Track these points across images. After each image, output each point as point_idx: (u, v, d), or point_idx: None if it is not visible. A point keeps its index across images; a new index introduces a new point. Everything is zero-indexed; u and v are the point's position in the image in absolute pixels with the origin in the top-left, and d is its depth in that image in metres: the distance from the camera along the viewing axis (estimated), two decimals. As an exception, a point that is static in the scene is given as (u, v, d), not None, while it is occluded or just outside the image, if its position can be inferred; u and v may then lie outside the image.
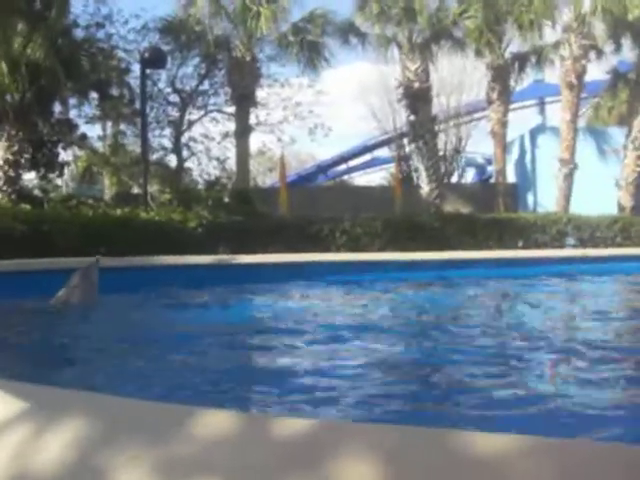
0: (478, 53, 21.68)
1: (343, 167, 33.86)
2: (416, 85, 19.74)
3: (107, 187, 26.08)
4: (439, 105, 22.25)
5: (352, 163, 33.55)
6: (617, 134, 22.24)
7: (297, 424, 2.16)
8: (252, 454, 2.03)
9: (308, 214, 16.77)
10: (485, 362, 5.07)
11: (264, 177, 34.27)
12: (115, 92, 21.93)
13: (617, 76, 22.30)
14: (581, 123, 25.29)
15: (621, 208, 20.39)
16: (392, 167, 25.86)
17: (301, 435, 2.07)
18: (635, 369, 4.98)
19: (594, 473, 1.84)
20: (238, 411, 2.48)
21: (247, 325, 7.32)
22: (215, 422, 2.18)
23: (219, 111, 24.29)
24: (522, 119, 28.90)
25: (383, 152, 30.83)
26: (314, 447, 2.03)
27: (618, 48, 21.17)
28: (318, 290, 10.39)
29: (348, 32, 21.11)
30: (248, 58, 20.43)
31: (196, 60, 22.69)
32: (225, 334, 6.41)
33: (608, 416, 3.62)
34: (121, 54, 21.91)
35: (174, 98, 23.81)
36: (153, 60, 17.89)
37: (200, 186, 21.56)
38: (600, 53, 21.25)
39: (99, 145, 25.67)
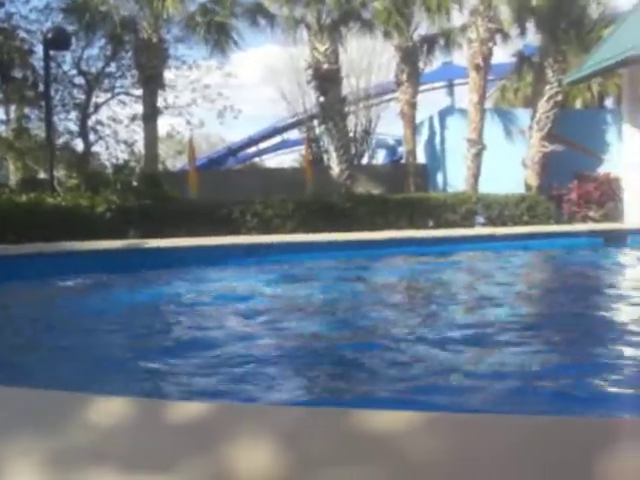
0: (387, 35, 21.72)
1: (254, 150, 33.72)
2: (325, 67, 19.69)
3: (12, 172, 25.33)
4: (349, 87, 22.34)
5: (262, 145, 33.40)
6: (523, 115, 22.63)
7: (194, 408, 2.13)
8: (148, 439, 1.99)
9: (218, 197, 16.67)
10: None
11: (174, 160, 33.86)
12: (18, 74, 21.29)
13: (522, 59, 22.67)
14: (488, 104, 25.70)
15: (528, 187, 20.81)
16: (303, 149, 25.87)
17: (198, 419, 2.05)
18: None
19: (485, 444, 1.87)
20: (135, 397, 2.43)
21: (153, 308, 7.27)
22: (111, 409, 2.14)
23: (126, 94, 23.85)
24: (432, 101, 29.20)
25: (294, 134, 30.91)
26: (211, 430, 2.01)
27: (523, 32, 21.51)
28: (229, 273, 10.32)
29: (256, 13, 20.86)
30: (155, 40, 20.00)
31: (102, 41, 22.18)
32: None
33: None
34: (23, 34, 21.27)
35: (79, 80, 23.25)
36: (57, 41, 17.42)
37: (108, 170, 21.13)
38: (506, 36, 21.57)
39: (2, 129, 24.93)
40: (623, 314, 6.47)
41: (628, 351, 4.71)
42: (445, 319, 6.22)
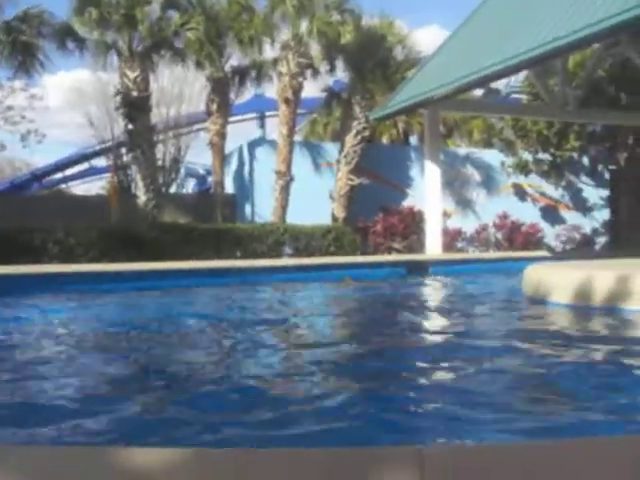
0: (198, 65, 21.70)
1: (60, 176, 32.67)
2: (134, 94, 19.46)
3: None
4: (159, 115, 22.03)
5: (69, 172, 32.47)
6: (331, 149, 23.21)
7: None
8: None
9: (20, 224, 15.99)
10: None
11: (-27, 185, 32.32)
12: None
13: (332, 94, 23.33)
14: (298, 137, 26.18)
15: (334, 219, 21.33)
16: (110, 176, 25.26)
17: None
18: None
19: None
20: None
21: None
22: None
23: None
24: (244, 132, 29.43)
25: (101, 161, 30.18)
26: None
27: (332, 69, 22.17)
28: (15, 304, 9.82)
29: (66, 36, 20.31)
30: (-46, 56, 19.09)
31: None
32: None
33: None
34: None
35: None
36: None
37: None
38: (316, 72, 22.11)
39: None
40: (415, 339, 6.65)
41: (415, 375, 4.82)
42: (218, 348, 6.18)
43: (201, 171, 31.19)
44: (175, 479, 1.84)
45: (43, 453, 2.09)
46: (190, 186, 31.35)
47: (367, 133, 22.03)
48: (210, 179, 25.94)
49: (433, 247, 18.45)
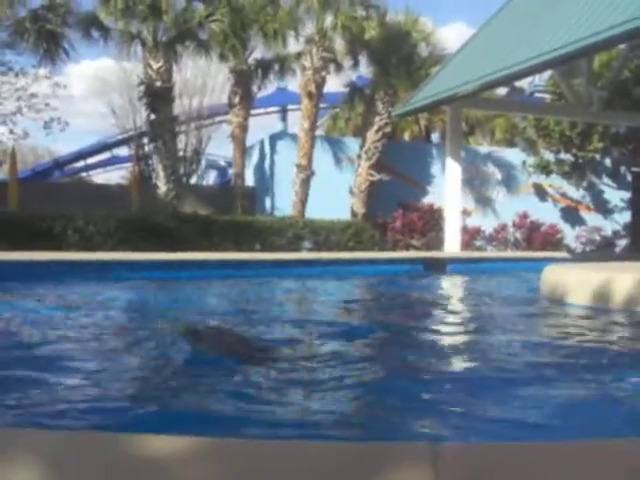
0: (222, 57, 21.76)
1: (82, 164, 32.85)
2: (158, 84, 19.48)
3: None
4: (181, 106, 22.10)
5: (91, 160, 32.64)
6: (353, 144, 23.18)
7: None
8: None
9: (41, 211, 16.08)
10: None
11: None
12: None
13: (354, 90, 23.26)
14: (320, 132, 26.17)
15: (354, 214, 21.33)
16: (131, 166, 25.41)
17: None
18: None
19: (272, 473, 1.86)
20: None
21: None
22: None
23: (-56, 98, 22.72)
24: (265, 125, 29.47)
25: (123, 151, 30.35)
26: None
27: (356, 64, 22.16)
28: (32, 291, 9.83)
29: (91, 25, 20.39)
30: (-21, 43, 19.23)
31: None
32: None
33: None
34: None
35: None
36: None
37: None
38: (339, 67, 22.10)
39: None
40: (432, 336, 6.64)
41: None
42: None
43: (222, 163, 31.28)
44: (190, 468, 1.85)
45: (56, 438, 2.11)
46: (211, 178, 31.46)
47: (389, 129, 22.02)
48: (231, 171, 26.01)
49: (452, 245, 18.43)
